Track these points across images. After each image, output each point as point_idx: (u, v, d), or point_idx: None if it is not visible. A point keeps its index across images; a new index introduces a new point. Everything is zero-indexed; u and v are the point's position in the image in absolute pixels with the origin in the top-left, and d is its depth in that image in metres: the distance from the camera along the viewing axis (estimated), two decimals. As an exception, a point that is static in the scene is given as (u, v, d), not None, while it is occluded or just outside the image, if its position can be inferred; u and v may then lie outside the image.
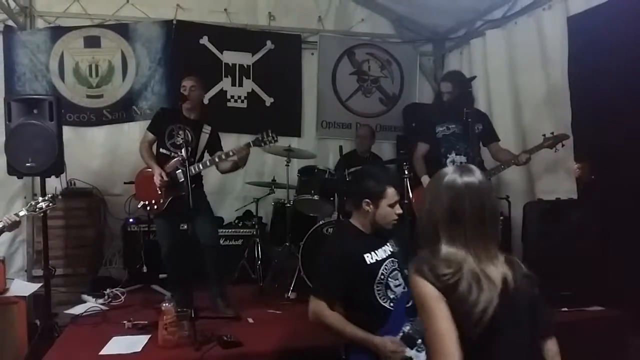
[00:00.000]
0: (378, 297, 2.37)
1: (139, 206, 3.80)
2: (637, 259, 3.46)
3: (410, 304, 2.33)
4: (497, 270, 1.50)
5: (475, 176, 1.57)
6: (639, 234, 3.53)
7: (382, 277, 2.39)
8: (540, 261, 3.76)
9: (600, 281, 3.61)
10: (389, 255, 2.44)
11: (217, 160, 3.71)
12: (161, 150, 3.79)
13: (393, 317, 2.32)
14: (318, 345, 2.88)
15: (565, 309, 3.47)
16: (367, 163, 4.79)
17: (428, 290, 1.45)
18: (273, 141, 3.77)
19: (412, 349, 2.23)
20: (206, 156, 3.89)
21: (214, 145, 3.90)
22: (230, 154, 3.68)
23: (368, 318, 2.33)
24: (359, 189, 2.48)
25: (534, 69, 4.48)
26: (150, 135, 3.82)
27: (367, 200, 2.41)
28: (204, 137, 3.85)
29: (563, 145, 3.81)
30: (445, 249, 1.51)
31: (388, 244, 2.48)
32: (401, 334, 2.27)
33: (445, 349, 1.39)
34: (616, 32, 3.72)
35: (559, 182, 4.21)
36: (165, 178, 3.60)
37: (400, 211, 2.45)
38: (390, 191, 2.41)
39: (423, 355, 2.22)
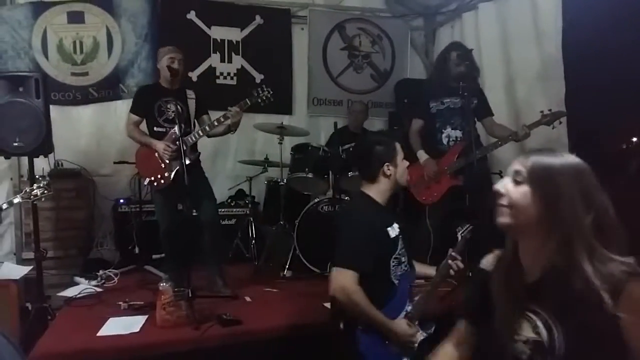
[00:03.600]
0: (391, 272, 2.34)
1: (145, 183, 3.70)
2: (627, 230, 3.50)
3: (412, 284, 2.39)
4: None
5: None
6: (629, 207, 3.56)
7: (401, 251, 2.37)
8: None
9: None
10: (400, 232, 2.41)
11: (212, 127, 3.61)
12: (155, 129, 3.69)
13: (400, 294, 2.32)
14: (317, 322, 2.90)
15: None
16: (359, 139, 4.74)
17: None
18: (269, 94, 3.73)
19: None
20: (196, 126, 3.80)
21: (201, 110, 3.81)
22: (229, 115, 3.56)
23: (379, 291, 2.28)
24: (372, 159, 2.41)
25: (527, 42, 4.44)
26: (135, 117, 3.72)
27: (387, 163, 2.38)
28: (192, 104, 3.76)
29: (560, 123, 3.80)
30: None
31: (396, 222, 2.44)
32: (404, 312, 2.29)
33: None
34: (609, 5, 3.70)
35: (553, 157, 4.21)
36: (172, 146, 3.52)
37: (408, 163, 2.47)
38: (398, 145, 2.45)
39: (419, 336, 2.27)
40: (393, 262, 2.34)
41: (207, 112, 3.86)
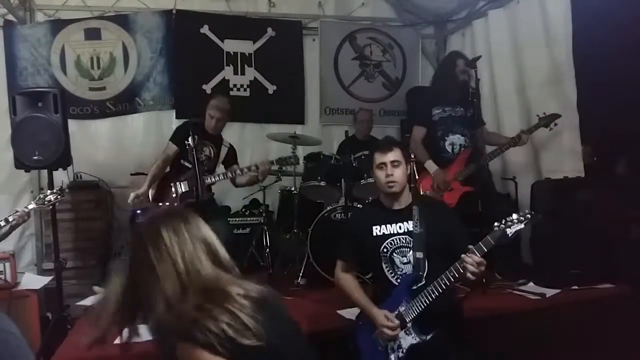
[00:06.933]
0: (385, 270, 2.45)
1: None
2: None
3: (416, 287, 2.35)
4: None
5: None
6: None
7: (385, 250, 2.44)
8: (549, 240, 3.78)
9: (610, 258, 3.61)
10: (403, 232, 2.44)
11: (234, 174, 3.83)
12: (182, 161, 3.86)
13: (395, 293, 2.37)
14: (331, 329, 2.91)
15: (576, 287, 3.47)
16: (368, 148, 4.75)
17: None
18: (296, 162, 4.04)
19: (401, 329, 2.29)
20: (220, 169, 4.04)
21: (230, 160, 4.05)
22: (253, 168, 3.78)
23: (376, 288, 2.51)
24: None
25: (538, 48, 4.43)
26: (174, 147, 3.85)
27: (370, 170, 2.60)
28: (224, 152, 4.00)
29: (556, 124, 3.85)
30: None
31: (408, 222, 2.45)
32: (396, 312, 2.32)
33: None
34: (619, 8, 3.69)
35: (566, 161, 4.19)
36: (140, 198, 3.74)
37: (391, 173, 2.42)
38: (376, 155, 2.52)
39: (410, 339, 2.27)
40: (383, 259, 2.44)
41: (237, 162, 4.08)
